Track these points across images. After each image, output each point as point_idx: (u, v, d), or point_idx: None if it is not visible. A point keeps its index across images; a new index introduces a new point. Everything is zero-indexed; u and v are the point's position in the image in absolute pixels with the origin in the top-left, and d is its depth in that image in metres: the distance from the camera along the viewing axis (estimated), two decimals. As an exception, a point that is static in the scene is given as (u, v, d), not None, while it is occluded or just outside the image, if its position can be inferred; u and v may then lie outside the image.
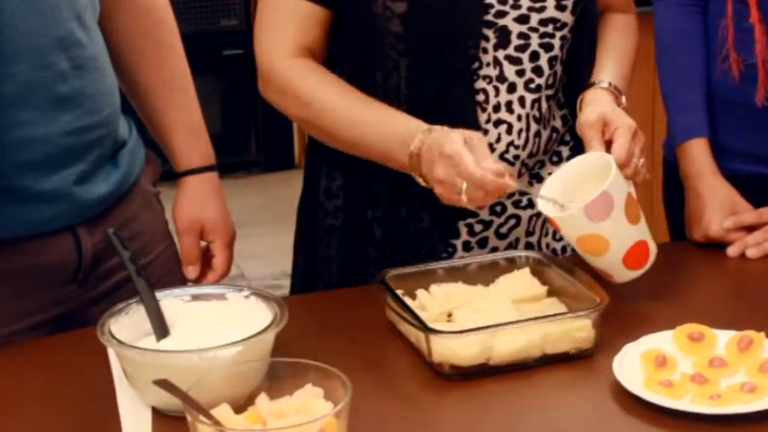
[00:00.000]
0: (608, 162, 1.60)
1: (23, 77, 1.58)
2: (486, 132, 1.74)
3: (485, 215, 1.78)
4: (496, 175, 1.52)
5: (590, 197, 1.57)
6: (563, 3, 1.73)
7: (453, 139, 1.55)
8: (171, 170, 1.91)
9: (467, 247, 1.79)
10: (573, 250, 1.85)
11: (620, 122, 1.65)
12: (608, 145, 1.65)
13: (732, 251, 1.85)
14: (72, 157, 1.66)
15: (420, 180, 1.62)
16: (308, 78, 1.73)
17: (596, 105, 1.70)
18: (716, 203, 1.88)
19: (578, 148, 1.79)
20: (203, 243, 1.89)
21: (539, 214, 1.82)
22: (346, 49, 1.78)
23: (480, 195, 1.54)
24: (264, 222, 2.48)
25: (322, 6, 1.74)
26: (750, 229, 1.87)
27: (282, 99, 1.76)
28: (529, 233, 1.83)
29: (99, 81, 1.70)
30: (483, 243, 1.80)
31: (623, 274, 1.63)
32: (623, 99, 1.75)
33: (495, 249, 1.80)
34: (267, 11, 1.77)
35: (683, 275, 1.79)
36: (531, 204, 1.81)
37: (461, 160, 1.53)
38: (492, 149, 1.73)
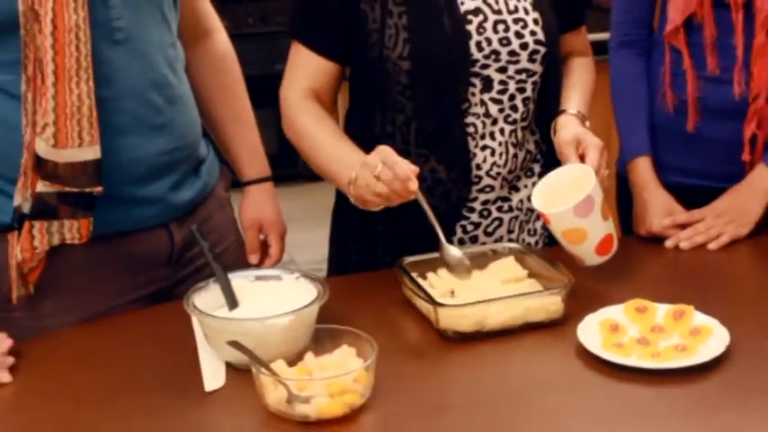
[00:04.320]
0: (588, 172, 1.59)
1: (130, 111, 1.59)
2: (474, 155, 1.73)
3: (475, 218, 1.77)
4: (409, 170, 1.50)
5: (577, 198, 1.55)
6: (534, 57, 1.71)
7: (382, 149, 1.54)
8: (237, 180, 1.91)
9: (461, 242, 1.77)
10: (544, 244, 1.84)
11: (591, 141, 1.64)
12: (581, 159, 1.64)
13: (669, 243, 1.85)
14: (166, 172, 1.67)
15: (351, 198, 1.61)
16: (304, 118, 1.72)
17: (569, 127, 1.69)
18: (657, 207, 1.88)
19: (548, 164, 1.77)
20: (262, 236, 1.88)
21: (517, 216, 1.80)
22: (366, 94, 1.76)
23: (390, 176, 1.50)
24: (309, 219, 2.48)
25: (330, 61, 1.73)
26: (683, 226, 1.86)
27: (287, 130, 1.75)
28: (510, 231, 1.81)
29: (185, 113, 1.70)
30: (474, 239, 1.78)
31: (593, 260, 1.62)
32: (587, 123, 1.74)
33: (483, 244, 1.78)
34: (290, 60, 1.77)
35: (631, 262, 1.78)
36: (510, 209, 1.79)
37: (386, 149, 1.52)
38: (479, 167, 1.73)
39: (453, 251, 1.58)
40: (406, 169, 1.50)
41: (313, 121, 1.71)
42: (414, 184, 1.50)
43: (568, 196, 1.57)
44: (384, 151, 1.53)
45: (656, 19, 1.96)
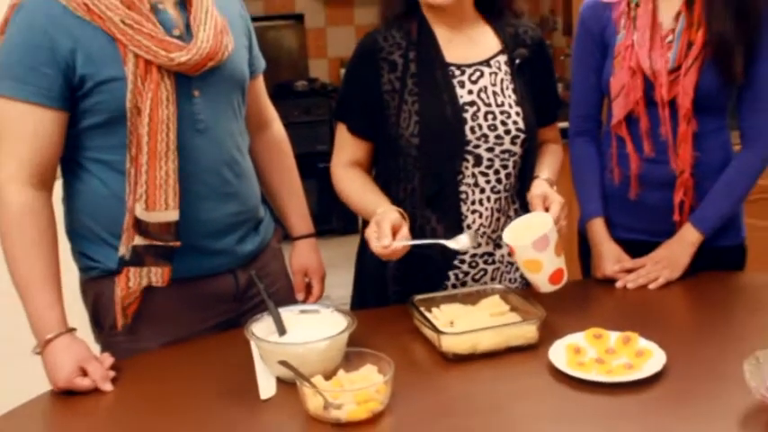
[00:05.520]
0: (547, 219, 1.59)
1: (207, 182, 1.60)
2: (465, 217, 1.72)
3: (465, 268, 1.75)
4: (383, 248, 1.52)
5: (536, 236, 1.55)
6: (515, 141, 1.72)
7: (370, 225, 1.58)
8: (287, 235, 1.90)
9: (454, 286, 1.75)
10: (521, 287, 1.81)
11: (554, 198, 1.64)
12: (546, 210, 1.63)
13: (619, 284, 1.83)
14: (233, 229, 1.67)
15: None
16: (345, 180, 1.76)
17: (540, 187, 1.68)
18: (609, 256, 1.86)
19: None
20: (306, 279, 1.87)
21: (498, 268, 1.78)
22: (385, 167, 1.77)
23: (377, 251, 1.54)
24: (341, 265, 2.47)
25: (363, 140, 1.76)
26: (629, 271, 1.84)
27: (336, 187, 1.78)
28: (493, 279, 1.79)
29: (248, 185, 1.70)
30: (464, 284, 1.76)
31: (546, 287, 1.60)
32: (554, 187, 1.73)
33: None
34: (336, 137, 1.80)
35: (590, 299, 1.78)
36: (494, 262, 1.77)
37: (369, 241, 1.56)
38: (469, 227, 1.72)
39: (456, 246, 1.60)
40: (384, 251, 1.52)
41: (349, 183, 1.75)
42: (397, 250, 1.53)
43: (531, 235, 1.57)
44: (367, 239, 1.56)
45: (604, 113, 1.95)
